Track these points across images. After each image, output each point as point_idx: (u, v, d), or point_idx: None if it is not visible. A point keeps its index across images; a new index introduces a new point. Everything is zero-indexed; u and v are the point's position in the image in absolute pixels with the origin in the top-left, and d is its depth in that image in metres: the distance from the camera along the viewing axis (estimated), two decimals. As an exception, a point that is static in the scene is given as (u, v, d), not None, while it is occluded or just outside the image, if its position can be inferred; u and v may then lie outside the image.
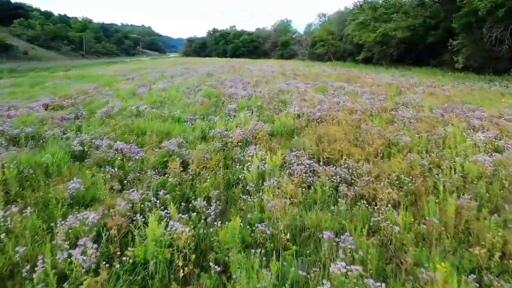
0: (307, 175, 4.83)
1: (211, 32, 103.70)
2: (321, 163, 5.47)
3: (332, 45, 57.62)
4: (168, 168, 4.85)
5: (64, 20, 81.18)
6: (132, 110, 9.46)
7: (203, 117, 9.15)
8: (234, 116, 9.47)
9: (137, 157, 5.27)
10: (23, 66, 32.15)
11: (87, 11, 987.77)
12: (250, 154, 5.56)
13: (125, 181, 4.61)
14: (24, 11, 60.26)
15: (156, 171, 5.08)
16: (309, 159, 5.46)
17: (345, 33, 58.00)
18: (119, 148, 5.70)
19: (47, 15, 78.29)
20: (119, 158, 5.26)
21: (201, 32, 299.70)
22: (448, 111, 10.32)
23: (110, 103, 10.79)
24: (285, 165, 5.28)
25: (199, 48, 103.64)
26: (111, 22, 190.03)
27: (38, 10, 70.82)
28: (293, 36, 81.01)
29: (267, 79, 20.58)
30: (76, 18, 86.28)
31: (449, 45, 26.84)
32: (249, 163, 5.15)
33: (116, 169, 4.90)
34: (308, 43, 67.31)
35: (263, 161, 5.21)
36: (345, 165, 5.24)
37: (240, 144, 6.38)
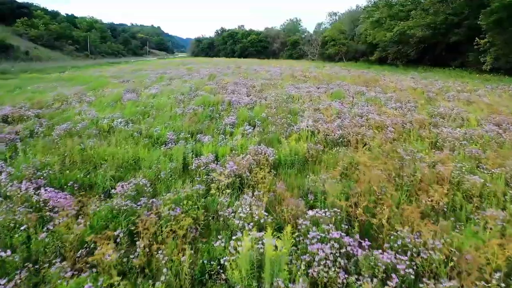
0: (336, 266, 2.77)
1: (219, 32, 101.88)
2: (355, 232, 3.38)
3: (344, 44, 55.16)
4: (96, 252, 2.82)
5: (71, 20, 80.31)
6: (103, 125, 7.51)
7: (191, 136, 7.16)
8: (231, 133, 7.45)
9: (53, 226, 3.23)
10: (20, 67, 30.63)
11: (100, 12, 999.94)
12: (243, 214, 3.51)
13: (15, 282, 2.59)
14: (28, 10, 59.16)
15: (85, 250, 3.07)
16: (335, 226, 3.39)
17: (357, 32, 55.66)
18: (42, 199, 3.72)
19: (54, 14, 77.36)
20: (23, 227, 3.24)
21: (209, 32, 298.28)
22: (504, 126, 8.11)
23: (82, 114, 8.88)
24: (298, 236, 3.21)
25: (207, 48, 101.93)
26: (120, 22, 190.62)
27: (42, 9, 69.66)
28: (303, 36, 78.62)
29: (274, 82, 18.53)
30: (84, 18, 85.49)
31: (476, 44, 24.38)
32: (239, 232, 3.12)
33: (9, 251, 2.91)
34: (318, 43, 64.88)
35: (261, 230, 3.17)
36: (398, 241, 3.16)
37: (230, 190, 4.31)
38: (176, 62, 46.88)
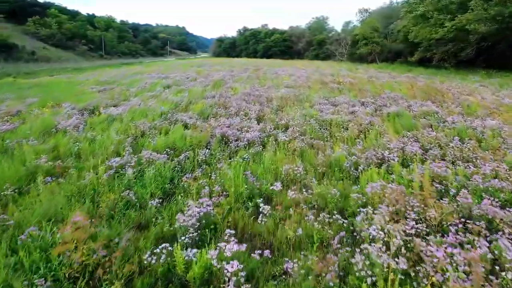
0: None
1: (241, 31, 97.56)
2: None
3: (378, 44, 49.11)
4: None
5: (90, 19, 78.51)
6: None
7: None
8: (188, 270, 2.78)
9: None
10: (12, 68, 27.49)
11: (127, 13, 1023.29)
12: None
13: None
14: (41, 9, 57.08)
15: None
16: None
17: (391, 30, 49.67)
18: None
19: (74, 14, 75.70)
20: None
21: (232, 32, 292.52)
22: None
23: None
24: None
25: (228, 48, 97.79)
26: (146, 23, 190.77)
27: (61, 8, 67.60)
28: (330, 35, 72.78)
29: (299, 92, 13.72)
30: (102, 17, 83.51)
31: None
32: None
33: None
34: (347, 42, 59.18)
35: None
36: None
37: None
38: (191, 63, 42.73)
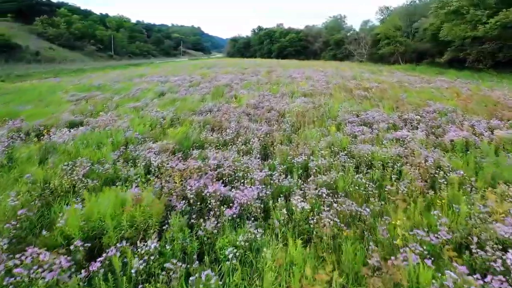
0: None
1: (256, 31, 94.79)
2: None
3: (401, 43, 45.41)
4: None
5: (103, 19, 77.45)
6: None
7: None
8: None
9: None
10: (5, 70, 25.74)
11: (145, 13, 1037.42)
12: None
13: None
14: (49, 8, 55.86)
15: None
16: None
17: (414, 29, 46.01)
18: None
19: (86, 13, 74.74)
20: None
21: (248, 31, 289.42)
22: None
23: None
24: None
25: (242, 48, 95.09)
26: (162, 23, 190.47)
27: (73, 8, 66.65)
28: (348, 34, 69.16)
29: (319, 102, 10.99)
30: (114, 16, 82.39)
31: None
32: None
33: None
34: (367, 42, 55.69)
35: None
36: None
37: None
38: (202, 64, 40.28)
